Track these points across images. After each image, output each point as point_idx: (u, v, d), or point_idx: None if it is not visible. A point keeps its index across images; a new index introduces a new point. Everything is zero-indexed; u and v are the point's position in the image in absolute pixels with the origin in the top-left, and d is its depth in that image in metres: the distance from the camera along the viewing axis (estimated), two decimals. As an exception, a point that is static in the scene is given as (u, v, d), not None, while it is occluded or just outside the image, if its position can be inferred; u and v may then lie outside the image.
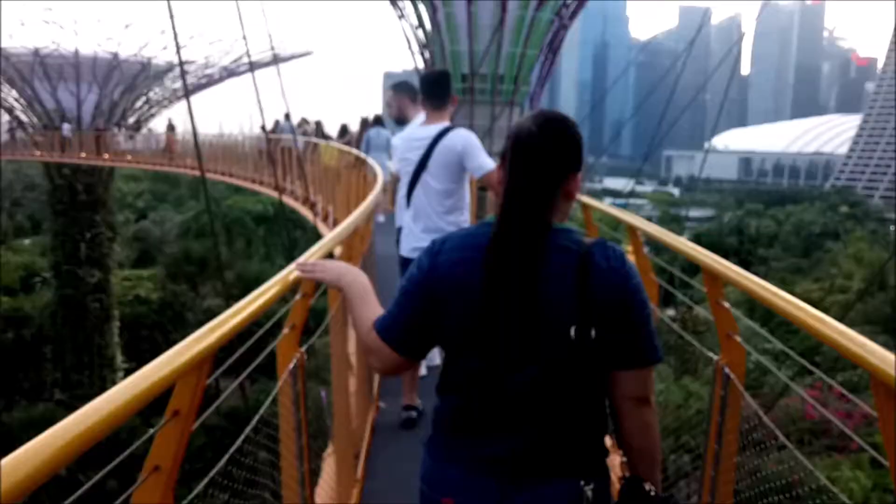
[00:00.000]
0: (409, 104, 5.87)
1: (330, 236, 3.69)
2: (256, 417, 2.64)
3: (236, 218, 43.32)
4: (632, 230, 4.77)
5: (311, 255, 2.99)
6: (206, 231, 40.42)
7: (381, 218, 9.75)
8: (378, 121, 14.88)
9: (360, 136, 15.73)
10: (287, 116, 22.73)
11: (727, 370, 3.11)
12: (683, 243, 3.68)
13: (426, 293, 1.90)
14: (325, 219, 14.13)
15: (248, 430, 2.51)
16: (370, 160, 11.39)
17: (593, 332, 1.77)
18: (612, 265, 1.81)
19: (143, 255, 43.11)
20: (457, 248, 1.89)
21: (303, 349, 3.03)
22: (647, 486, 1.88)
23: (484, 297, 1.80)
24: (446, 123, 4.74)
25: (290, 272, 2.54)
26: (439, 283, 1.87)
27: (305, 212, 16.21)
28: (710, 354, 3.33)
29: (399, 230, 5.15)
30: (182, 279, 36.93)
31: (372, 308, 2.08)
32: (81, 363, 32.41)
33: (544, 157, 1.83)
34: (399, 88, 6.00)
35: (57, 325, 33.87)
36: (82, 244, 34.81)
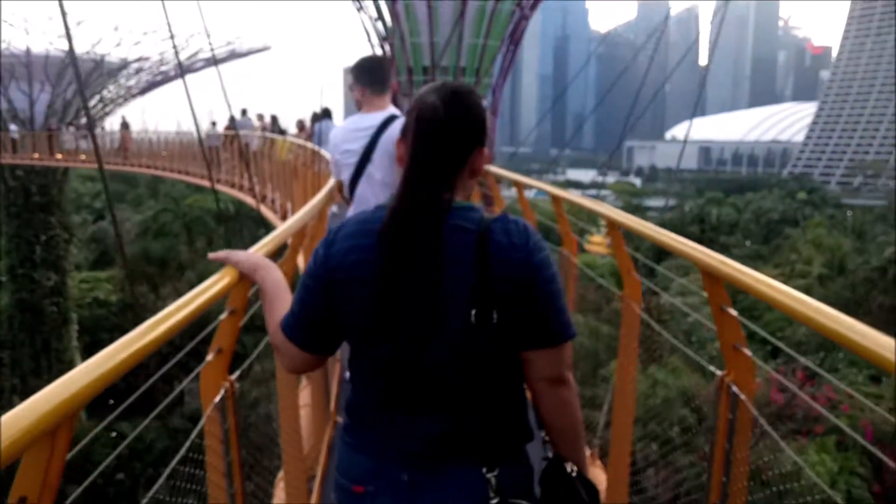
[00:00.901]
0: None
1: (280, 229, 3.42)
2: (176, 460, 2.26)
3: (196, 217, 42.71)
4: (611, 226, 4.36)
5: (261, 247, 2.73)
6: (166, 231, 39.91)
7: (334, 208, 9.61)
8: (326, 113, 14.86)
9: (311, 130, 15.73)
10: (244, 112, 22.50)
11: (735, 388, 2.66)
12: (671, 237, 3.32)
13: (323, 284, 1.79)
14: (283, 217, 13.87)
15: (163, 477, 2.13)
16: (324, 153, 11.36)
17: (495, 315, 1.68)
18: (513, 241, 1.71)
19: (101, 257, 42.44)
20: (350, 235, 1.79)
21: (233, 377, 2.56)
22: (569, 467, 1.83)
23: (380, 283, 1.72)
24: (391, 111, 4.47)
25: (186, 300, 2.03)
26: (335, 273, 1.77)
27: (265, 210, 15.95)
28: (713, 369, 2.92)
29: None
30: (142, 280, 36.32)
31: (283, 306, 1.98)
32: (40, 368, 31.81)
33: (449, 132, 1.75)
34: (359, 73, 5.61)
35: (14, 330, 33.23)
36: (37, 247, 34.17)
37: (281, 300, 2.01)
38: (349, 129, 4.54)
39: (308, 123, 20.19)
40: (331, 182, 5.63)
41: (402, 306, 1.71)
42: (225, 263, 2.23)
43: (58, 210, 35.65)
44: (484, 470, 1.75)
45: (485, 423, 1.76)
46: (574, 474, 1.82)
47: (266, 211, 15.81)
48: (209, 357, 2.45)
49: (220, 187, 20.72)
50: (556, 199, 6.06)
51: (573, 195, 6.59)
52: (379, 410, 1.81)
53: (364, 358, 1.81)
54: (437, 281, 1.69)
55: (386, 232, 1.72)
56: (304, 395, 5.41)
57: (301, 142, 14.69)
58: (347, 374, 2.14)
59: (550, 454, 1.88)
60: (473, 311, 1.67)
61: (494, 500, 1.74)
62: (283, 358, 1.94)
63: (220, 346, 2.48)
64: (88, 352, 34.08)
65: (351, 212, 4.57)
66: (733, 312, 2.69)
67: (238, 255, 2.24)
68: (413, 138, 1.76)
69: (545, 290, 1.72)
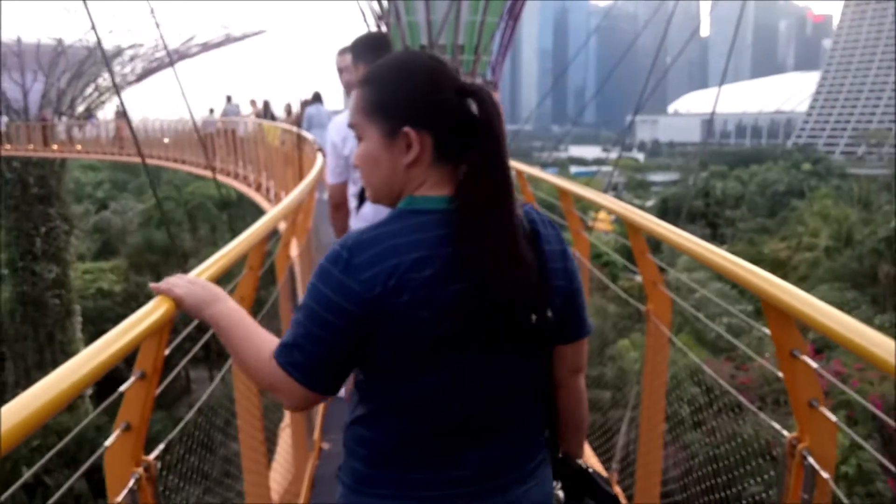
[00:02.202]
0: None
1: (273, 212, 3.29)
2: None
3: (198, 204, 42.54)
4: (632, 229, 3.55)
5: (254, 231, 2.68)
6: (169, 219, 39.73)
7: (325, 196, 9.39)
8: (317, 98, 14.71)
9: (301, 115, 15.63)
10: (228, 99, 22.30)
11: (811, 459, 2.12)
12: (722, 255, 2.50)
13: (358, 317, 1.46)
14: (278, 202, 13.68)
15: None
16: (309, 135, 11.53)
17: (550, 313, 1.57)
18: (549, 232, 1.62)
19: (104, 247, 42.34)
20: (402, 249, 1.46)
21: (152, 455, 1.96)
22: (582, 463, 1.80)
23: (468, 298, 1.46)
24: None
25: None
26: (391, 298, 1.44)
27: (258, 198, 15.74)
28: (784, 432, 2.30)
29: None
30: (146, 269, 36.18)
31: (257, 336, 1.61)
32: (44, 360, 31.65)
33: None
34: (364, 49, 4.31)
35: (16, 324, 32.98)
36: (37, 239, 33.89)
37: (250, 331, 1.63)
38: None
39: (295, 108, 20.15)
40: (313, 174, 5.22)
41: (481, 325, 1.50)
42: (157, 294, 1.77)
43: (57, 201, 35.33)
44: (555, 484, 1.72)
45: (539, 436, 1.69)
46: (590, 470, 1.79)
47: (260, 199, 15.63)
48: (111, 438, 1.82)
49: (209, 174, 20.62)
50: (563, 194, 5.38)
51: (583, 189, 5.91)
52: (434, 444, 1.56)
53: (406, 387, 1.53)
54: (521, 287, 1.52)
55: (477, 243, 1.46)
56: (286, 415, 4.85)
57: (288, 126, 14.51)
58: (342, 393, 1.72)
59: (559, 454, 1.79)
60: (533, 315, 1.54)
61: None
62: (282, 396, 1.57)
63: (127, 420, 1.87)
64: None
65: (368, 216, 3.80)
66: (810, 362, 2.13)
67: (179, 285, 1.73)
68: (484, 127, 1.51)
69: (578, 281, 1.67)
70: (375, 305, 1.44)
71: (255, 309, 3.47)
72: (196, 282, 1.76)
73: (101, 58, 32.29)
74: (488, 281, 1.46)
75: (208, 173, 18.10)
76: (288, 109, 20.61)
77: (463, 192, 1.50)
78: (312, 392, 1.53)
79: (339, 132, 3.80)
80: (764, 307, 2.19)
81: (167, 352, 1.93)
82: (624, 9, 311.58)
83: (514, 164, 5.91)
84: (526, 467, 1.63)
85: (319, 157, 7.33)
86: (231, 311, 1.67)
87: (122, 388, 1.84)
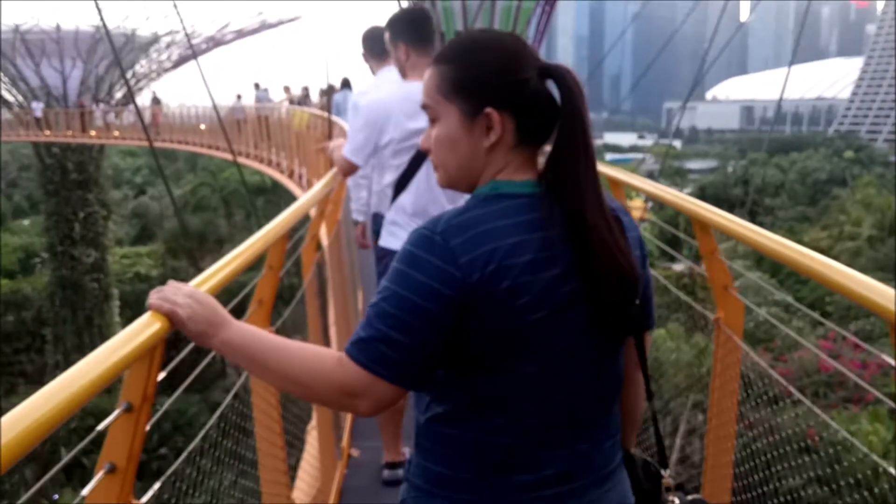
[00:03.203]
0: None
1: (296, 205, 3.15)
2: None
3: (233, 190, 42.83)
4: (699, 226, 3.20)
5: (274, 227, 2.53)
6: (205, 205, 40.09)
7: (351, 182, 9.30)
8: (346, 84, 14.45)
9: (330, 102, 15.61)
10: (256, 86, 22.38)
11: (726, 328, 3.07)
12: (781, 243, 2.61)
13: (459, 304, 1.37)
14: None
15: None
16: (339, 120, 11.20)
17: (637, 300, 1.49)
18: (626, 218, 1.55)
19: (142, 232, 42.89)
20: (498, 234, 1.38)
21: (144, 500, 1.73)
22: (636, 452, 1.73)
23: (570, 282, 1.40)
24: None
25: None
26: (493, 283, 1.36)
27: (292, 185, 15.72)
28: (706, 313, 3.26)
29: (377, 219, 3.78)
30: (182, 254, 36.56)
31: (300, 347, 1.45)
32: (83, 344, 32.12)
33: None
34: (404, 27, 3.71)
35: (56, 307, 33.53)
36: (76, 224, 34.39)
37: (280, 346, 1.44)
38: (406, 99, 3.36)
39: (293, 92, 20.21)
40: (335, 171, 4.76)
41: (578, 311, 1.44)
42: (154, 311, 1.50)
43: (95, 187, 35.78)
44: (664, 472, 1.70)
45: (617, 435, 1.60)
46: (649, 462, 1.73)
47: (293, 186, 15.59)
48: (92, 483, 1.50)
49: (247, 161, 20.70)
50: (613, 184, 4.78)
51: (640, 180, 5.36)
52: (515, 444, 1.46)
53: (499, 380, 1.43)
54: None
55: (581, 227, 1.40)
56: (334, 344, 4.82)
57: (320, 112, 14.42)
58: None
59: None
60: (637, 302, 1.51)
61: None
62: (360, 402, 1.41)
63: (261, 298, 2.17)
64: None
65: (405, 206, 3.48)
66: (722, 258, 3.06)
67: (180, 304, 1.48)
68: (567, 107, 1.44)
69: (648, 270, 1.61)
70: (475, 291, 1.36)
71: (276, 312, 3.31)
72: (199, 298, 1.50)
73: (112, 46, 32.53)
74: (589, 268, 1.41)
75: (241, 159, 18.19)
76: (286, 89, 20.85)
77: (552, 176, 1.44)
78: (401, 388, 1.41)
79: (382, 111, 3.41)
80: (693, 224, 3.18)
81: (160, 376, 1.61)
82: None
83: None
84: (604, 469, 1.55)
85: None
86: (245, 332, 1.46)
87: (103, 424, 1.53)
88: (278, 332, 2.58)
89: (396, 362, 1.37)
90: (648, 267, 1.60)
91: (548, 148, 1.47)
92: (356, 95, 3.92)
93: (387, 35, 3.62)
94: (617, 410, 1.59)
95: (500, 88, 1.43)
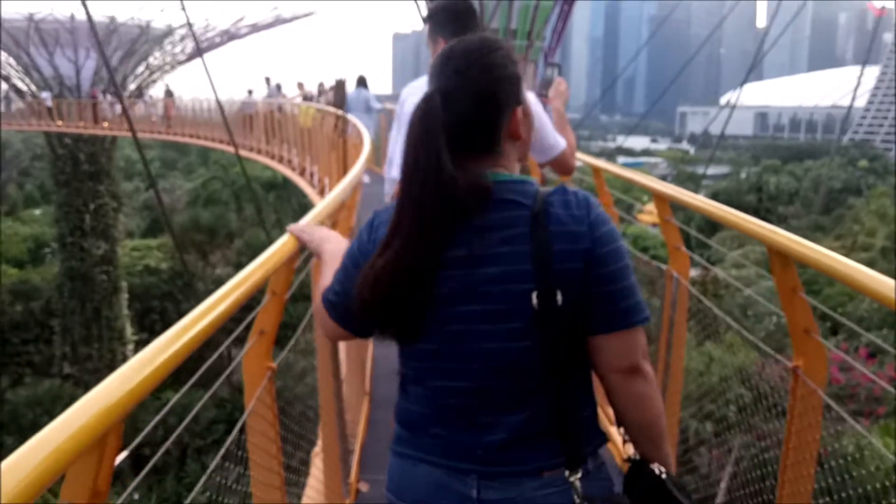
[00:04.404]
0: None
1: (316, 210, 3.03)
2: (224, 448, 2.16)
3: (245, 185, 42.80)
4: (658, 198, 4.14)
5: (277, 250, 2.50)
6: (216, 199, 40.08)
7: (366, 178, 9.17)
8: (361, 82, 14.70)
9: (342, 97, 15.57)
10: (267, 80, 22.37)
11: (805, 378, 2.69)
12: (729, 211, 3.24)
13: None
14: (321, 192, 13.32)
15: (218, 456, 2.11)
16: (352, 118, 11.32)
17: (559, 296, 1.51)
18: (573, 213, 1.56)
19: (153, 224, 42.89)
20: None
21: (276, 362, 2.46)
22: (657, 469, 1.64)
23: (414, 271, 1.56)
24: None
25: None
26: None
27: (302, 183, 15.55)
28: (780, 358, 3.01)
29: None
30: (192, 248, 36.52)
31: (330, 277, 1.87)
32: (90, 336, 32.20)
33: (467, 98, 1.61)
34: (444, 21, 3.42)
35: (64, 298, 33.54)
36: (87, 215, 34.42)
37: (332, 270, 1.86)
38: None
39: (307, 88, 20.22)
40: (360, 166, 4.74)
41: (444, 295, 1.57)
42: (290, 234, 2.30)
43: (106, 178, 35.82)
44: (567, 473, 1.57)
45: (559, 424, 1.58)
46: (664, 475, 1.63)
47: (304, 184, 15.43)
48: (251, 341, 2.35)
49: (257, 157, 20.61)
50: (596, 171, 5.56)
51: (615, 166, 6.18)
52: (437, 416, 1.63)
53: (411, 353, 1.66)
54: (484, 263, 1.54)
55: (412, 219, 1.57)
56: (343, 368, 4.93)
57: (333, 110, 14.29)
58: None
59: (631, 455, 1.70)
60: (535, 294, 1.51)
61: None
62: (320, 325, 1.88)
63: (262, 328, 2.37)
64: (139, 319, 34.55)
65: None
66: (804, 297, 2.62)
67: (308, 230, 2.30)
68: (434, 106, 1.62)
69: (612, 267, 1.56)
70: None
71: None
72: (320, 228, 2.34)
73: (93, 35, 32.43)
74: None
75: (251, 155, 18.09)
76: (300, 86, 20.90)
77: None
78: (338, 326, 1.81)
79: None
80: (769, 252, 2.72)
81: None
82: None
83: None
84: (532, 463, 1.59)
85: (366, 143, 7.08)
86: (330, 252, 2.08)
87: (261, 305, 2.34)
88: (285, 362, 2.71)
89: (335, 305, 1.80)
90: (611, 265, 1.56)
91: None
92: (405, 92, 3.59)
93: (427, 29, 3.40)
94: (560, 396, 1.58)
95: None
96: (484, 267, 1.54)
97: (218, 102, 17.03)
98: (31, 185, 53.03)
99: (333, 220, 3.88)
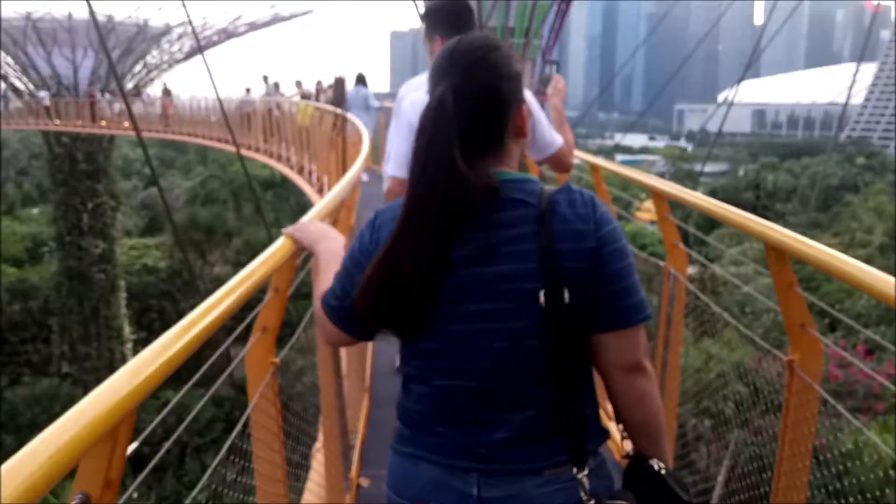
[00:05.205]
0: None
1: (314, 210, 3.05)
2: (228, 443, 2.18)
3: (243, 184, 42.75)
4: (656, 195, 4.21)
5: (278, 249, 2.53)
6: (214, 197, 40.05)
7: (365, 177, 9.18)
8: (360, 80, 14.81)
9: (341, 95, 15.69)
10: (265, 79, 22.45)
11: (801, 372, 2.70)
12: (727, 208, 3.30)
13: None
14: (319, 190, 13.33)
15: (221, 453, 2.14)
16: (351, 117, 11.43)
17: (567, 295, 1.53)
18: (578, 212, 1.57)
19: (151, 223, 42.85)
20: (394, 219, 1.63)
21: (278, 357, 2.48)
22: (656, 465, 1.65)
23: (419, 270, 1.56)
24: None
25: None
26: None
27: (301, 181, 15.57)
28: (777, 353, 3.07)
29: None
30: (190, 246, 36.49)
31: (329, 278, 1.85)
32: (89, 335, 32.21)
33: (476, 98, 1.62)
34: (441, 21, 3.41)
35: (62, 297, 33.58)
36: (84, 214, 34.41)
37: (331, 272, 1.86)
38: None
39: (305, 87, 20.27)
40: (359, 165, 4.83)
41: (451, 294, 1.57)
42: (293, 233, 2.28)
43: (104, 177, 35.78)
44: (574, 471, 1.58)
45: (563, 422, 1.59)
46: (663, 471, 1.65)
47: (302, 182, 15.45)
48: (254, 338, 2.36)
49: (255, 155, 20.60)
50: (594, 169, 5.66)
51: (613, 164, 6.27)
52: (440, 415, 1.64)
53: (415, 351, 1.66)
54: (491, 262, 1.55)
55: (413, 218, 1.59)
56: (344, 364, 4.97)
57: (332, 108, 14.31)
58: (398, 362, 1.80)
59: (629, 451, 1.71)
60: (542, 293, 1.53)
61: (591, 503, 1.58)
62: (321, 330, 1.87)
63: (265, 325, 2.38)
64: (137, 318, 34.53)
65: None
66: (800, 292, 2.63)
67: (306, 228, 2.29)
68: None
69: (617, 265, 1.58)
70: None
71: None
72: (316, 224, 2.36)
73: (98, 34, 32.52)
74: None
75: (249, 153, 18.06)
76: (298, 84, 20.97)
77: None
78: (339, 330, 1.81)
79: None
80: (766, 248, 2.71)
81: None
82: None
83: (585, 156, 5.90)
84: (534, 462, 1.60)
85: (365, 142, 7.13)
86: (329, 252, 2.06)
87: (264, 302, 2.35)
88: (285, 360, 2.70)
89: (335, 308, 1.80)
90: (616, 264, 1.58)
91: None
92: (403, 90, 3.58)
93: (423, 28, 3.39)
94: (565, 393, 1.59)
95: None
96: (491, 265, 1.55)
97: (218, 100, 17.06)
98: (29, 184, 52.98)
99: (333, 218, 3.90)
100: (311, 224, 2.32)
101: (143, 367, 1.37)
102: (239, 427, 2.19)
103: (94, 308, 33.09)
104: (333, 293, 1.75)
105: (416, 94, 3.26)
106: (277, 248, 2.17)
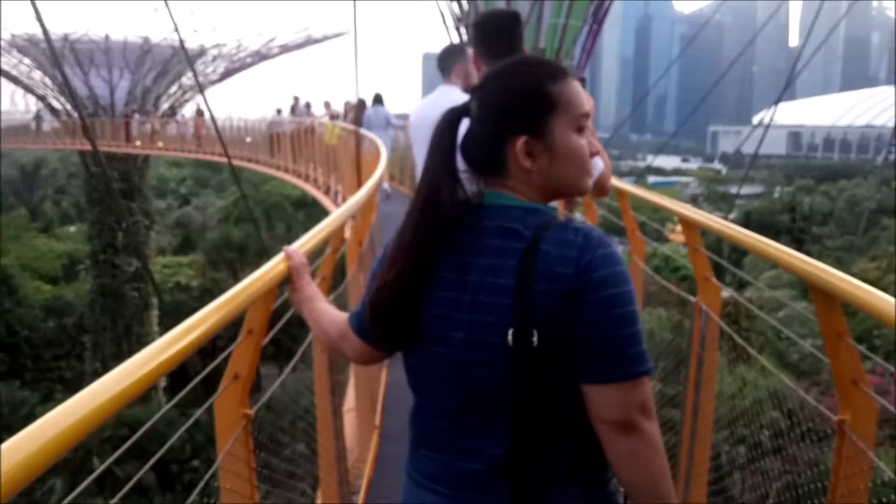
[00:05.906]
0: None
1: (345, 206, 3.29)
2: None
3: (275, 203, 43.12)
4: (687, 225, 3.96)
5: (335, 217, 3.03)
6: (246, 217, 40.41)
7: (385, 186, 9.25)
8: (378, 100, 15.13)
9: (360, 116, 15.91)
10: (296, 99, 22.70)
11: (852, 435, 2.33)
12: (767, 243, 2.96)
13: None
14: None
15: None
16: (370, 135, 11.80)
17: (535, 337, 1.43)
18: (564, 253, 1.45)
19: (185, 242, 43.36)
20: None
21: (253, 409, 2.17)
22: None
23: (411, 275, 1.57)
24: None
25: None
26: None
27: (327, 201, 15.60)
28: (825, 411, 2.69)
29: None
30: (222, 265, 36.78)
31: (331, 309, 1.98)
32: (121, 352, 32.38)
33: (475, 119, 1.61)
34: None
35: (96, 315, 33.98)
36: (119, 233, 34.83)
37: (326, 303, 2.02)
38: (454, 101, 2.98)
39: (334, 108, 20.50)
40: (378, 175, 4.91)
41: (434, 316, 1.56)
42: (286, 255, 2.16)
43: (139, 196, 36.27)
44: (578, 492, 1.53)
45: (562, 450, 1.51)
46: None
47: (328, 202, 15.47)
48: (224, 385, 2.09)
49: (285, 176, 20.73)
50: (620, 194, 5.38)
51: (641, 189, 6.11)
52: (428, 436, 1.63)
53: (408, 368, 1.67)
54: (471, 290, 1.51)
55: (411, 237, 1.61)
56: (350, 398, 4.83)
57: (353, 127, 14.48)
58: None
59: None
60: (511, 331, 1.45)
61: None
62: (348, 353, 1.85)
63: (236, 371, 2.10)
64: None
65: None
66: (852, 342, 2.27)
67: (304, 271, 2.13)
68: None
69: (601, 315, 1.44)
70: None
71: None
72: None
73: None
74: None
75: (278, 173, 18.06)
76: (326, 105, 21.39)
77: None
78: (366, 344, 1.78)
79: (417, 119, 3.28)
80: (811, 291, 2.34)
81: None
82: (709, 16, 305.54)
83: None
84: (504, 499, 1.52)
85: (383, 158, 7.25)
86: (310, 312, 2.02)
87: (234, 344, 2.11)
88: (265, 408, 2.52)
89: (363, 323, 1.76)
90: (607, 313, 1.44)
91: None
92: (417, 109, 3.62)
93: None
94: (557, 426, 1.52)
95: None
96: (471, 293, 1.51)
97: (213, 118, 17.40)
98: (66, 202, 53.88)
99: (335, 243, 3.63)
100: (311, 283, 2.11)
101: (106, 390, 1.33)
102: (201, 485, 1.98)
103: (127, 325, 33.46)
104: (357, 310, 1.78)
105: (425, 112, 3.26)
106: (258, 276, 2.01)
